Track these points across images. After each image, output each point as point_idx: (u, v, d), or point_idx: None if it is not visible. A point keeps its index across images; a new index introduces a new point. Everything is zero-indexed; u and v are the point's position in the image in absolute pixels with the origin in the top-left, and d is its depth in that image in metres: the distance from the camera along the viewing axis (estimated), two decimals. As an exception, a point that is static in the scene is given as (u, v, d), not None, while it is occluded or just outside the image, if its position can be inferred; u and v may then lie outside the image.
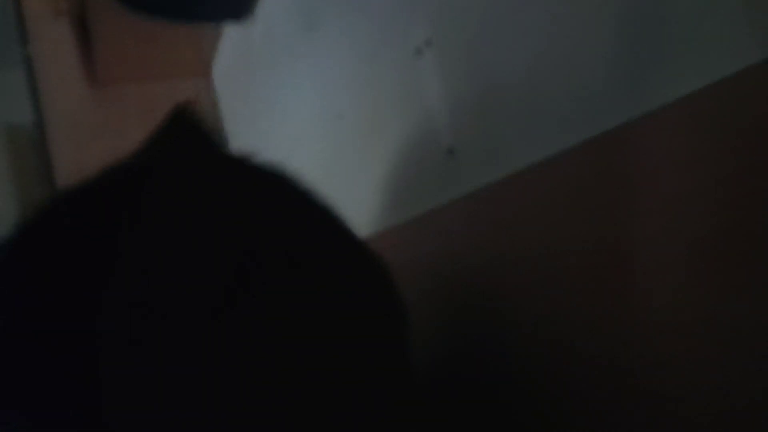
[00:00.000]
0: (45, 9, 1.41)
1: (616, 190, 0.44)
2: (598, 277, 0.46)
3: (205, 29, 1.38)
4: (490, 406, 0.61)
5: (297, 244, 0.51)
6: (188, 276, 0.46)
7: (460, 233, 0.62)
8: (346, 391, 0.48)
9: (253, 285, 0.46)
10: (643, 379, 0.43)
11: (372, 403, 0.49)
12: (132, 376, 0.43)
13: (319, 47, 0.88)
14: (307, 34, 0.92)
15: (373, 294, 0.53)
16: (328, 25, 0.84)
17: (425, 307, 0.70)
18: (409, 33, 0.65)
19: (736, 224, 0.36)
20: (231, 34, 1.30)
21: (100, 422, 0.43)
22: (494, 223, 0.57)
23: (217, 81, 1.47)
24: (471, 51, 0.56)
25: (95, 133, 1.41)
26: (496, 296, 0.58)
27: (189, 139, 0.54)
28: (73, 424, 0.47)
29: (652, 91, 0.40)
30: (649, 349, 0.43)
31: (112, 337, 0.44)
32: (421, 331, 0.71)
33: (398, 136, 0.70)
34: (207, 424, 0.44)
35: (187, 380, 0.44)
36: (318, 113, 0.93)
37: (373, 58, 0.74)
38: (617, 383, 0.46)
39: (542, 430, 0.54)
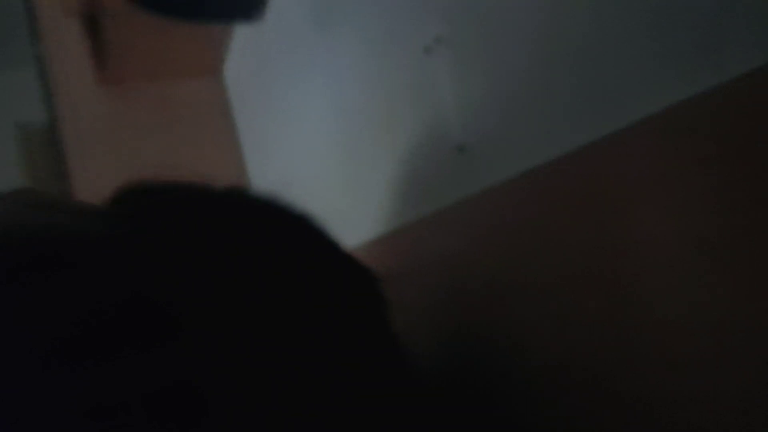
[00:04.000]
0: (56, 8, 1.41)
1: (628, 190, 0.43)
2: (607, 278, 0.46)
3: (215, 28, 1.38)
4: (499, 407, 0.60)
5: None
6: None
7: (471, 232, 0.62)
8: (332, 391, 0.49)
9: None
10: (651, 381, 0.43)
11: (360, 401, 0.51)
12: None
13: (330, 45, 0.88)
14: (317, 32, 0.91)
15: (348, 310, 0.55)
16: (339, 24, 0.84)
17: (435, 307, 0.70)
18: (419, 30, 0.65)
19: (740, 226, 0.36)
20: (242, 33, 1.31)
21: None
22: (504, 221, 0.57)
23: (229, 80, 1.47)
24: (481, 48, 0.56)
25: (108, 131, 1.42)
26: (508, 296, 0.58)
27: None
28: None
29: (665, 88, 0.39)
30: (658, 352, 0.43)
31: None
32: (431, 330, 0.71)
33: (408, 134, 0.70)
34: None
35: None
36: (329, 111, 0.93)
37: (383, 56, 0.74)
38: (627, 386, 0.45)
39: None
